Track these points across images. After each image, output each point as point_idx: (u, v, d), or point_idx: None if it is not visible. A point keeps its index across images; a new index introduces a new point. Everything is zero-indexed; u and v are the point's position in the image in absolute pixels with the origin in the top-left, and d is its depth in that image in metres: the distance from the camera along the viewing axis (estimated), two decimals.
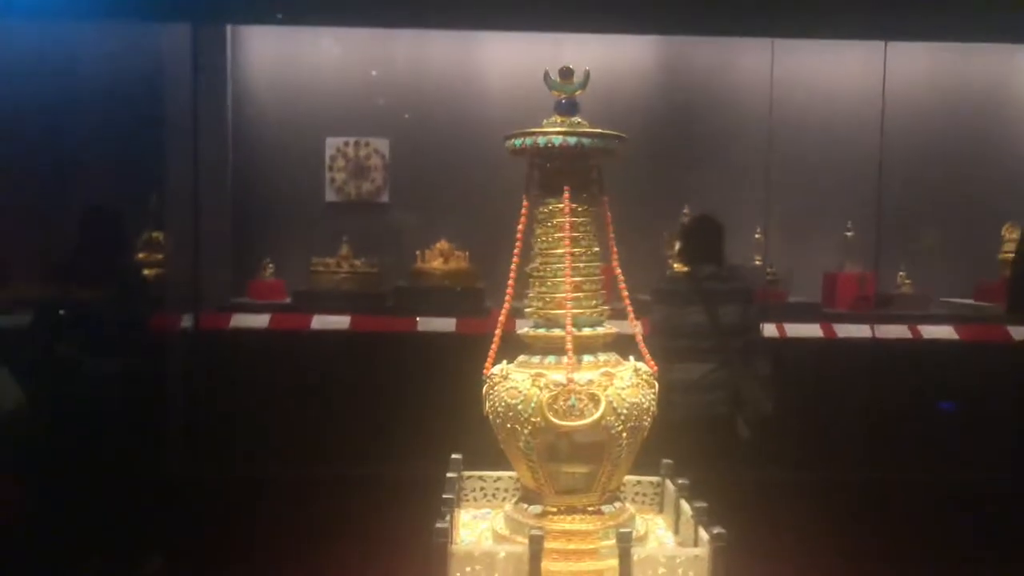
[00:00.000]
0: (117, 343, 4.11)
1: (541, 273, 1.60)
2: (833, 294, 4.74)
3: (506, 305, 1.65)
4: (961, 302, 4.79)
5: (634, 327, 1.66)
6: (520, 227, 1.60)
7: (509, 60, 4.91)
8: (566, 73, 1.57)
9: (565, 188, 1.56)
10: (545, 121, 1.58)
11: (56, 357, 3.86)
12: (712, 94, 5.05)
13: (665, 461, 1.79)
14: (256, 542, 3.47)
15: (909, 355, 4.34)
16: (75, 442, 3.62)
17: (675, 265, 4.70)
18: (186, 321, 4.43)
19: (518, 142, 1.56)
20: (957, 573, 3.40)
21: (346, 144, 5.05)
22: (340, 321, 4.42)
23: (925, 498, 3.91)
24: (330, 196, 5.07)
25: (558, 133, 1.52)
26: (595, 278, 1.60)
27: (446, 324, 4.33)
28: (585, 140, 1.52)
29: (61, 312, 4.05)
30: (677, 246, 4.74)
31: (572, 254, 1.56)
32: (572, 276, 1.56)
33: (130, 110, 4.32)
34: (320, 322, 4.43)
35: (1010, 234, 4.78)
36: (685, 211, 4.77)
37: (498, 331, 1.65)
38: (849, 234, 4.81)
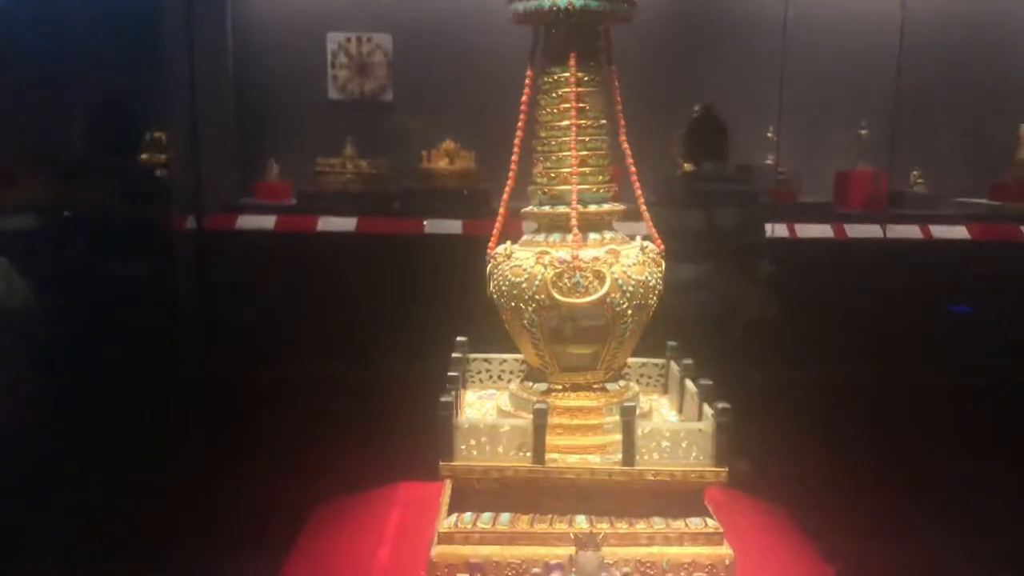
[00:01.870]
0: (122, 244, 4.08)
1: (545, 147, 1.55)
2: (845, 193, 4.63)
3: (510, 182, 1.60)
4: (976, 202, 4.71)
5: (642, 205, 1.62)
6: (524, 99, 1.54)
7: None
8: None
9: (571, 55, 1.49)
10: None
11: (62, 258, 3.85)
12: None
13: (670, 343, 1.78)
14: (264, 438, 3.53)
15: (921, 255, 4.28)
16: (82, 341, 3.64)
17: (685, 165, 4.61)
18: (192, 222, 4.39)
19: (523, 6, 1.48)
20: (966, 472, 3.43)
21: (348, 40, 4.89)
22: (346, 223, 4.37)
23: (935, 399, 3.92)
24: (333, 94, 4.94)
25: None
26: (602, 152, 1.55)
27: (452, 226, 4.28)
28: (594, 3, 1.44)
29: (66, 213, 4.02)
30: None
31: (578, 126, 1.50)
32: (578, 150, 1.50)
33: (129, 8, 4.18)
34: (326, 224, 4.38)
35: None
36: (697, 110, 4.64)
37: (502, 208, 1.61)
38: (863, 132, 4.67)
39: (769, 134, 4.72)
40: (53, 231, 3.93)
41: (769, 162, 4.70)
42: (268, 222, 4.38)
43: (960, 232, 4.33)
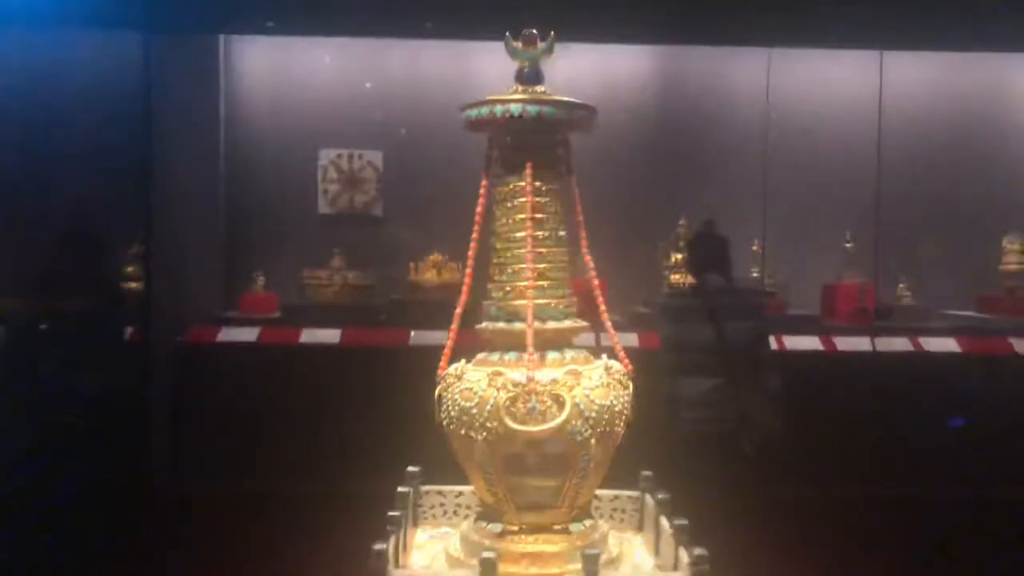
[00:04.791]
0: (103, 357, 4.00)
1: (501, 260, 1.43)
2: (832, 306, 4.56)
3: (463, 297, 1.48)
4: (963, 314, 4.63)
5: (606, 323, 1.49)
6: (479, 209, 1.43)
7: (504, 71, 4.75)
8: (529, 38, 1.41)
9: (527, 164, 1.39)
10: (507, 89, 1.42)
11: (37, 372, 3.75)
12: (708, 104, 4.91)
13: (644, 473, 1.60)
14: (237, 557, 3.34)
15: (911, 368, 4.17)
16: (59, 456, 3.52)
17: (672, 277, 4.56)
18: (173, 335, 4.31)
19: (475, 112, 1.39)
20: None
21: (339, 156, 4.94)
22: (331, 335, 4.29)
23: (929, 513, 3.74)
24: (323, 208, 4.95)
25: (518, 101, 1.36)
26: (561, 265, 1.43)
27: (440, 337, 4.16)
28: (548, 110, 1.36)
29: (43, 326, 3.94)
30: (674, 258, 4.61)
31: (535, 238, 1.38)
32: (534, 262, 1.38)
33: (118, 120, 4.24)
34: (311, 336, 4.30)
35: (1011, 245, 4.63)
36: (682, 222, 4.63)
37: (454, 326, 1.48)
38: (848, 245, 4.65)
39: (755, 247, 4.69)
40: (29, 344, 3.85)
41: (756, 275, 4.65)
42: (251, 334, 4.30)
43: (949, 345, 4.25)
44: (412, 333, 4.26)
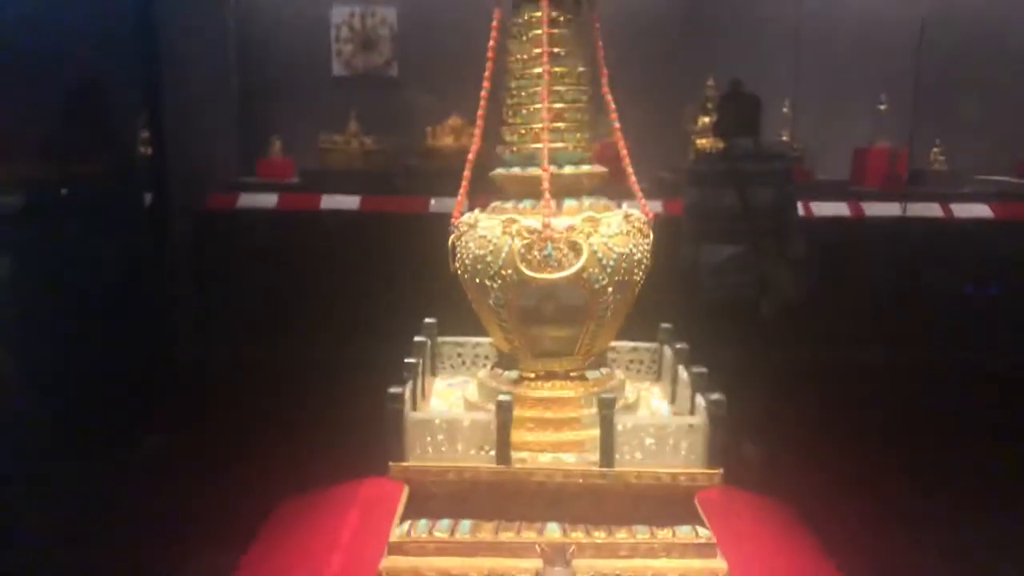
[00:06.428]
0: (121, 223, 3.99)
1: (515, 100, 1.34)
2: (863, 171, 4.39)
3: (476, 142, 1.40)
4: (1000, 179, 4.43)
5: (627, 167, 1.41)
6: (491, 44, 1.33)
7: None
8: None
9: None
10: None
11: (56, 238, 3.75)
12: None
13: (663, 325, 1.57)
14: (257, 423, 3.42)
15: (942, 235, 4.05)
16: (76, 323, 3.56)
17: (699, 141, 4.41)
18: (191, 201, 4.28)
19: None
20: (984, 454, 3.23)
21: (352, 14, 4.73)
22: (350, 201, 4.24)
23: (956, 380, 3.72)
24: (337, 70, 4.79)
25: None
26: (580, 105, 1.34)
27: None
28: None
29: (63, 191, 3.92)
30: (701, 121, 4.44)
31: (551, 74, 1.29)
32: (551, 101, 1.30)
33: None
34: (329, 202, 4.26)
35: None
36: (709, 83, 4.42)
37: (466, 172, 1.42)
38: (882, 107, 4.42)
39: (784, 109, 4.50)
40: (48, 210, 3.84)
41: (784, 138, 4.49)
42: (270, 200, 4.26)
43: (983, 211, 4.09)
44: (432, 200, 4.19)
